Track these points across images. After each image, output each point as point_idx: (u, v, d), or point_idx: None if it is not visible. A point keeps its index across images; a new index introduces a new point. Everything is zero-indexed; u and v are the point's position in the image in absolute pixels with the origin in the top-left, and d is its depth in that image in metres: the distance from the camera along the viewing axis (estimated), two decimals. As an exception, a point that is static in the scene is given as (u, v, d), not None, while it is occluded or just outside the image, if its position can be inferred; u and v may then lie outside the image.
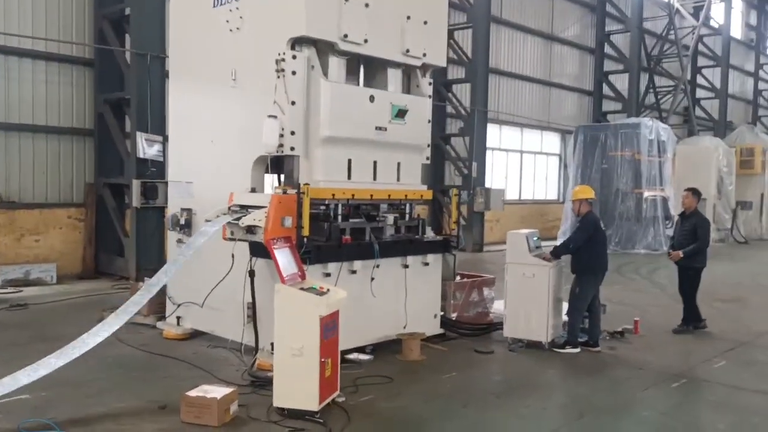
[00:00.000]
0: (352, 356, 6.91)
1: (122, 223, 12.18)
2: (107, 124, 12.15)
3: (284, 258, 5.46)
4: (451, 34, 17.96)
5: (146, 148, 10.96)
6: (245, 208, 6.53)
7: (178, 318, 7.78)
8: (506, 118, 21.29)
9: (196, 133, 7.72)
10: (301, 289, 5.32)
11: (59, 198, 12.19)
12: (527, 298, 7.64)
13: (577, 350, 7.60)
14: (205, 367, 6.49)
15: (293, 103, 6.59)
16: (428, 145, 8.08)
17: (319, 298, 5.20)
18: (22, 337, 7.64)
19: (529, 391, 6.24)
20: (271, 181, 7.61)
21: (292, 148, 6.61)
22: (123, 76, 12.00)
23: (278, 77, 6.58)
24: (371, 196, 7.16)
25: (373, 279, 7.02)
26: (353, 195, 6.95)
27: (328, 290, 5.51)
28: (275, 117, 6.55)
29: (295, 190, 6.25)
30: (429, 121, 8.06)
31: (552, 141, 24.07)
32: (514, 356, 7.45)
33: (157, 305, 8.15)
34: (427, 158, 8.10)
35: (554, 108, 23.52)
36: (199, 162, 7.69)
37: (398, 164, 7.55)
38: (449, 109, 18.88)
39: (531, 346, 7.64)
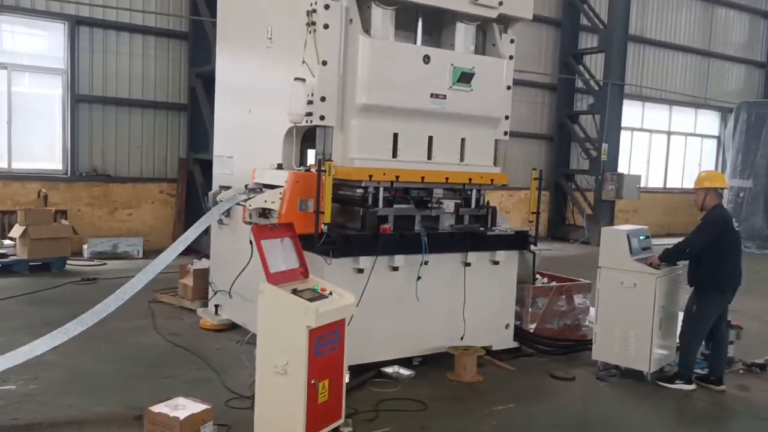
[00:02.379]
0: (391, 370, 5.73)
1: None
2: (198, 98, 11.79)
3: (276, 250, 4.37)
4: (582, -3, 15.93)
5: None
6: (267, 188, 5.55)
7: (216, 306, 7.03)
8: (651, 93, 18.66)
9: (236, 103, 6.87)
10: (294, 291, 4.21)
11: (153, 172, 12.06)
12: (625, 314, 5.99)
13: (692, 387, 5.84)
14: (218, 368, 5.65)
15: (324, 63, 5.47)
16: (507, 117, 6.60)
17: (307, 304, 4.06)
18: (58, 314, 7.23)
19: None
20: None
21: (322, 117, 5.49)
22: (212, 50, 11.54)
23: (309, 32, 5.48)
24: (422, 178, 5.86)
25: (419, 278, 5.75)
26: (397, 177, 5.70)
27: (331, 293, 4.37)
28: (303, 80, 5.47)
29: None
30: (509, 88, 6.57)
31: (709, 121, 20.89)
32: (602, 388, 5.85)
33: (203, 290, 7.49)
34: (506, 133, 6.63)
35: (714, 82, 20.34)
36: (237, 135, 6.84)
37: (462, 140, 6.17)
38: (578, 83, 16.80)
39: (628, 375, 6.00)
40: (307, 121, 5.54)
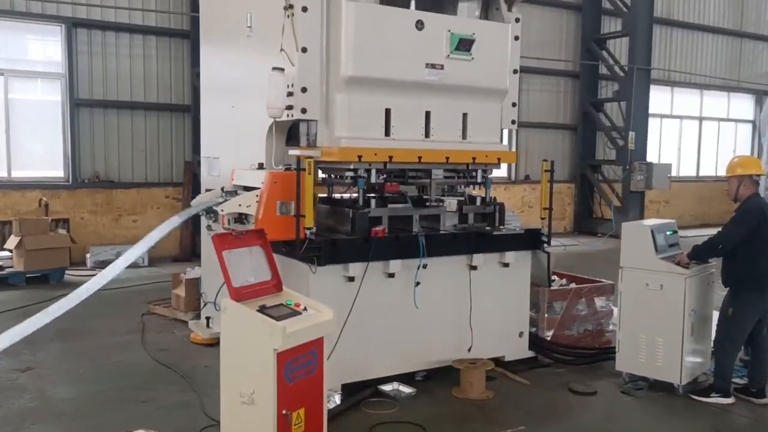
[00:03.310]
0: (389, 387, 5.18)
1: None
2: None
3: (242, 261, 3.85)
4: (604, -22, 15.16)
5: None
6: (247, 190, 5.04)
7: (208, 319, 6.56)
8: (680, 78, 17.75)
9: (219, 99, 6.37)
10: (261, 308, 3.68)
11: (158, 177, 11.68)
12: (651, 319, 5.35)
13: (730, 400, 5.17)
14: (201, 390, 5.16)
15: (304, 50, 4.94)
16: (514, 105, 6.01)
17: (274, 324, 3.54)
18: (44, 330, 6.83)
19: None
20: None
21: (304, 110, 4.96)
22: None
23: (286, 17, 4.95)
24: (419, 158, 5.28)
25: (417, 284, 5.20)
26: (390, 157, 5.13)
27: (305, 309, 3.84)
28: (282, 70, 4.95)
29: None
30: (515, 72, 5.96)
31: (742, 104, 19.86)
32: (626, 403, 5.22)
33: (196, 301, 7.04)
34: (513, 122, 6.01)
35: (747, 64, 19.31)
36: (222, 134, 6.35)
37: (464, 116, 5.58)
38: (602, 69, 16.01)
39: (657, 388, 5.36)
40: (288, 116, 5.02)
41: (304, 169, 4.58)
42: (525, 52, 14.92)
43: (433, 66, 5.27)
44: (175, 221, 4.82)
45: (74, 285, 8.90)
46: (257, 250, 3.99)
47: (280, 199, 4.67)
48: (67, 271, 9.38)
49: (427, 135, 5.39)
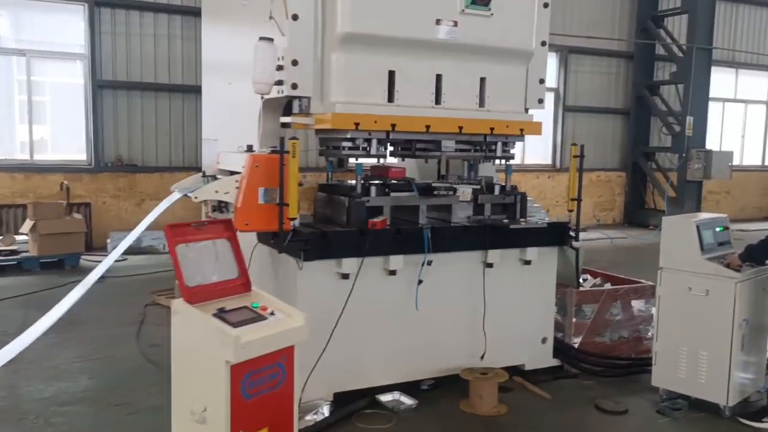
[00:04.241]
0: (389, 398, 4.63)
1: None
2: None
3: (202, 256, 3.34)
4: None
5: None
6: (233, 175, 4.54)
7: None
8: (745, 58, 16.41)
9: (217, 77, 5.90)
10: (219, 311, 3.17)
11: (183, 161, 11.34)
12: (695, 329, 4.61)
13: (787, 425, 4.43)
14: (184, 393, 4.71)
15: (295, 17, 4.37)
16: (542, 81, 5.27)
17: (226, 332, 3.01)
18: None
19: None
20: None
21: (295, 86, 4.41)
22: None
23: (276, -20, 4.41)
24: (427, 128, 4.66)
25: (420, 282, 4.60)
26: (393, 125, 4.52)
27: (273, 314, 3.31)
28: (271, 40, 4.41)
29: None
30: (543, 44, 5.24)
31: (817, 88, 18.30)
32: (662, 425, 4.52)
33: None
34: (540, 101, 5.30)
35: (822, 44, 17.74)
36: (220, 114, 5.88)
37: (481, 80, 4.92)
38: (659, 49, 14.90)
39: (699, 408, 4.63)
40: (279, 92, 4.48)
41: (288, 152, 4.04)
42: (574, 31, 14.11)
43: (443, 22, 4.62)
44: (153, 214, 4.38)
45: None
46: (223, 244, 3.47)
47: (263, 185, 4.14)
48: (83, 257, 9.16)
49: (437, 101, 4.76)
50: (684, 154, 13.78)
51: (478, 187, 5.02)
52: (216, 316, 3.13)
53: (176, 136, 11.27)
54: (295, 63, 4.39)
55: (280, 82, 4.43)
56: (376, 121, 4.46)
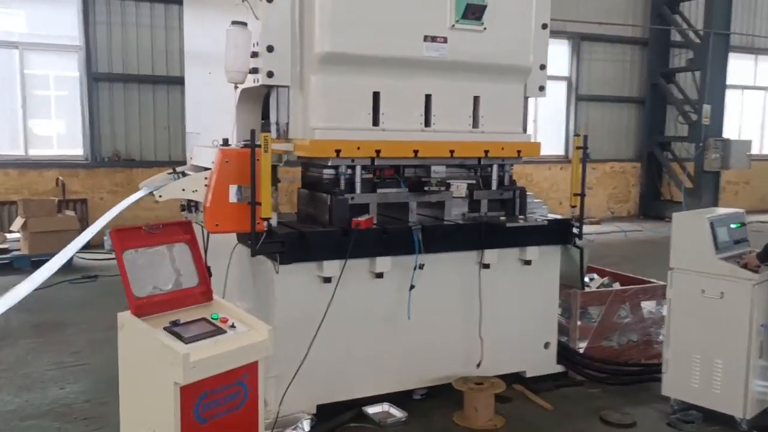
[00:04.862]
0: (377, 410, 4.31)
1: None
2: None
3: (155, 263, 3.03)
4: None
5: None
6: (202, 171, 4.22)
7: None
8: (766, 44, 15.81)
9: (198, 66, 5.58)
10: (171, 324, 2.87)
11: (182, 155, 10.92)
12: (708, 335, 4.24)
13: (810, 441, 4.05)
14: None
15: (270, -1, 4.04)
16: (543, 67, 4.89)
17: (173, 348, 2.70)
18: (19, 322, 6.27)
19: None
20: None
21: (270, 74, 4.07)
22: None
23: (249, -42, 4.07)
24: (416, 153, 4.32)
25: (412, 287, 4.27)
26: (378, 151, 4.20)
27: (233, 326, 2.99)
28: (244, 24, 4.08)
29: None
30: (545, 27, 4.87)
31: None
32: (673, 438, 4.17)
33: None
34: (542, 88, 4.93)
35: None
36: (202, 106, 5.57)
37: (474, 99, 4.58)
38: (674, 35, 14.37)
39: (713, 420, 4.26)
40: (254, 81, 4.15)
41: (259, 146, 3.71)
42: (587, 17, 13.62)
43: (433, 39, 4.27)
44: (112, 212, 4.08)
45: (81, 270, 8.57)
46: (181, 248, 3.16)
47: (234, 182, 3.82)
48: (78, 255, 8.90)
49: (427, 124, 4.42)
50: (701, 144, 13.28)
51: (474, 182, 4.66)
52: (167, 330, 2.83)
53: (175, 130, 10.96)
54: (270, 49, 4.05)
55: (255, 70, 4.10)
56: (359, 148, 4.13)
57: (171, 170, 4.24)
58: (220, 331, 2.93)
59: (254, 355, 2.96)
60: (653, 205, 14.67)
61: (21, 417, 4.28)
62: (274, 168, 3.89)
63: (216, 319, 3.01)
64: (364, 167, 4.27)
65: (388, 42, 4.19)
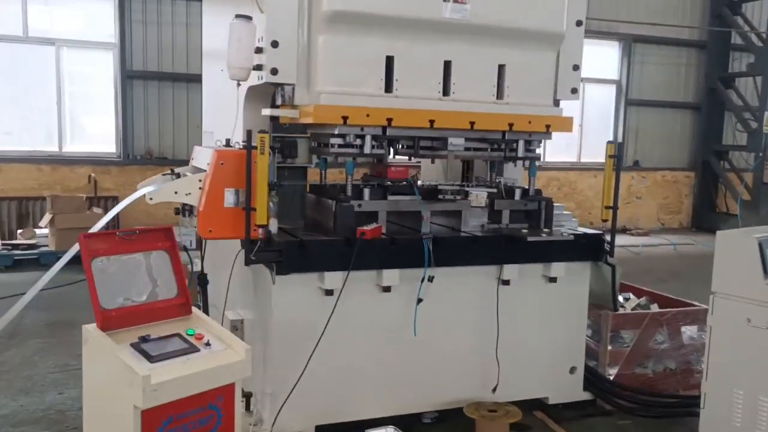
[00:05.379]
0: (382, 433, 3.98)
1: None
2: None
3: (130, 272, 2.80)
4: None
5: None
6: (198, 173, 3.99)
7: (203, 321, 5.65)
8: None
9: (213, 64, 5.37)
10: (140, 340, 2.62)
11: (216, 155, 11.01)
12: (754, 369, 3.75)
13: None
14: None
15: (275, -9, 3.77)
16: (576, 68, 4.47)
17: (136, 369, 2.45)
18: (32, 322, 6.19)
19: None
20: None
21: (275, 71, 3.80)
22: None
23: (255, -53, 3.81)
24: (431, 123, 3.97)
25: (420, 301, 3.94)
26: (390, 120, 3.85)
27: (208, 344, 2.73)
28: (249, 18, 3.83)
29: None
30: (579, 24, 4.44)
31: None
32: (708, 483, 3.71)
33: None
34: (576, 67, 4.47)
35: None
36: (216, 104, 5.36)
37: (500, 68, 4.19)
38: (735, 38, 13.57)
39: (757, 464, 3.78)
40: (259, 78, 3.90)
41: (256, 147, 3.45)
42: (639, 17, 12.99)
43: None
44: (106, 217, 3.89)
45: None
46: (159, 256, 2.92)
47: (230, 185, 3.57)
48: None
49: (445, 93, 4.06)
50: (761, 153, 12.48)
51: (494, 190, 4.29)
52: (134, 347, 2.58)
53: (209, 129, 10.90)
54: (275, 44, 3.78)
55: (259, 67, 3.84)
56: (368, 115, 3.79)
57: (169, 170, 4.01)
58: (192, 349, 2.67)
59: (229, 376, 2.69)
60: (707, 217, 13.89)
61: (13, 423, 4.14)
62: (281, 170, 3.63)
63: (191, 335, 2.75)
64: (375, 138, 3.92)
65: (402, 0, 3.85)
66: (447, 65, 4.05)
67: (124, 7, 10.00)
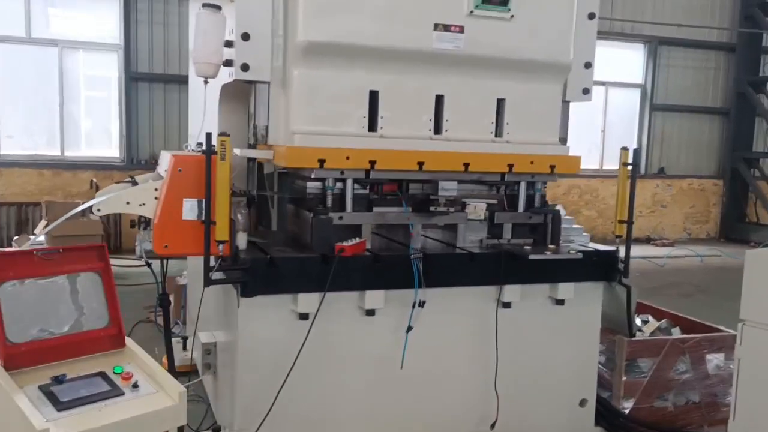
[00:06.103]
0: (363, 474, 3.55)
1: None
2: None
3: (48, 297, 2.40)
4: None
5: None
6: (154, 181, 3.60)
7: (184, 339, 5.29)
8: None
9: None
10: (53, 381, 2.23)
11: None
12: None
13: None
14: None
15: (245, -22, 3.38)
16: (588, 65, 4.00)
17: (35, 422, 2.04)
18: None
19: None
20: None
21: (245, 67, 3.41)
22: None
23: (225, -69, 3.43)
24: (420, 165, 3.55)
25: (410, 329, 3.50)
26: (373, 163, 3.45)
27: (136, 386, 2.32)
28: (218, 8, 3.45)
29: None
30: (591, 16, 3.99)
31: None
32: None
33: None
34: (588, 66, 4.00)
35: None
36: (197, 106, 4.97)
37: (499, 103, 3.77)
38: (766, 40, 12.94)
39: None
40: (229, 75, 3.51)
41: (216, 152, 3.05)
42: (665, 18, 12.41)
43: (446, 27, 3.49)
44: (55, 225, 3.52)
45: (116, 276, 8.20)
46: (89, 279, 2.52)
47: (189, 195, 3.18)
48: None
49: (437, 131, 3.64)
50: (793, 161, 11.85)
51: (495, 201, 3.84)
52: (42, 390, 2.18)
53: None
54: (245, 37, 3.39)
55: (229, 63, 3.45)
56: (348, 157, 3.38)
57: (129, 177, 3.63)
58: (115, 393, 2.27)
59: (157, 425, 2.28)
60: (737, 227, 13.25)
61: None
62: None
63: (118, 373, 2.35)
64: (357, 181, 3.54)
65: (388, 30, 3.45)
66: (439, 100, 3.63)
67: (130, 7, 9.74)
